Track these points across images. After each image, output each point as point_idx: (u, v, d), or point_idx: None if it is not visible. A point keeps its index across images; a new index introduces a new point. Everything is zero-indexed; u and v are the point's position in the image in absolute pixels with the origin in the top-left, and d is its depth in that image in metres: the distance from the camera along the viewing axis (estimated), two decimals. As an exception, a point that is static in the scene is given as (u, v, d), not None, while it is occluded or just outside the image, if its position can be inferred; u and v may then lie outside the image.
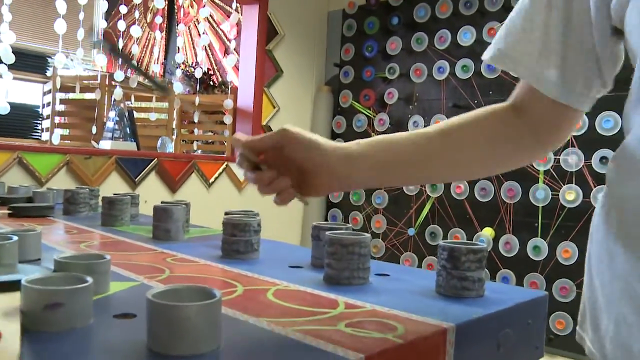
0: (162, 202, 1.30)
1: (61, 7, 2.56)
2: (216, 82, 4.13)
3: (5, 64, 2.55)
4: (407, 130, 3.14)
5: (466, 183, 2.97)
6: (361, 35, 3.47)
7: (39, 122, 3.29)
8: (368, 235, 0.86)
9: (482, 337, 0.70)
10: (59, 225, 1.39)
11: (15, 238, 0.80)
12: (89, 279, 0.59)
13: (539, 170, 2.73)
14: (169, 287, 0.55)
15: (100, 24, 4.40)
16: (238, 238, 1.00)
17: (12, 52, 2.48)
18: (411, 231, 3.21)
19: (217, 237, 1.26)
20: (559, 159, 2.68)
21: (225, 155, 3.40)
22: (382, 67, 3.36)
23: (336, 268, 0.84)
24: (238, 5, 3.39)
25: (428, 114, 3.16)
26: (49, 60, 3.54)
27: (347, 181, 0.77)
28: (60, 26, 2.57)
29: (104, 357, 0.50)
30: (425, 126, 3.11)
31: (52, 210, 1.57)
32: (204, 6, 3.73)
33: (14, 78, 2.82)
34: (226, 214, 1.14)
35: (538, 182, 2.74)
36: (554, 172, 2.69)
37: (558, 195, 2.68)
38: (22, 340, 0.52)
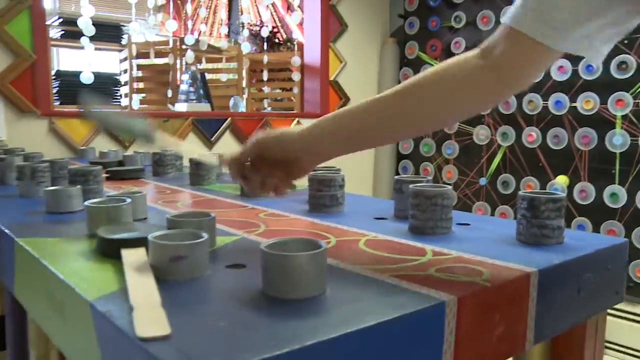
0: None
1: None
2: (281, 39, 4.18)
3: (87, 36, 2.67)
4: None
5: (538, 131, 2.93)
6: (425, -16, 3.43)
7: (117, 88, 3.43)
8: (450, 187, 0.91)
9: (563, 281, 0.75)
10: (152, 186, 1.49)
11: (129, 200, 0.89)
12: (205, 235, 0.66)
13: (615, 115, 2.67)
14: (278, 240, 0.61)
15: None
16: (324, 193, 1.06)
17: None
18: (483, 181, 3.21)
19: (300, 193, 1.33)
20: (638, 102, 2.61)
21: (295, 112, 3.46)
22: (447, 16, 3.32)
23: (421, 219, 0.89)
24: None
25: (497, 62, 3.12)
26: (123, 28, 3.66)
27: (321, 156, 0.87)
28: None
29: (224, 301, 0.58)
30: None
31: (143, 172, 1.68)
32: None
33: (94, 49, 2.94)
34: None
35: (615, 128, 2.68)
36: (632, 117, 2.63)
37: (638, 141, 2.62)
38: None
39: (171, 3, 3.33)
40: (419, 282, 0.63)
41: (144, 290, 0.58)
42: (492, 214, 3.17)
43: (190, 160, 1.51)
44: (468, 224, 0.97)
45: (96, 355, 0.57)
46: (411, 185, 0.92)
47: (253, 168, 0.87)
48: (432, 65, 3.34)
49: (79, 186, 1.11)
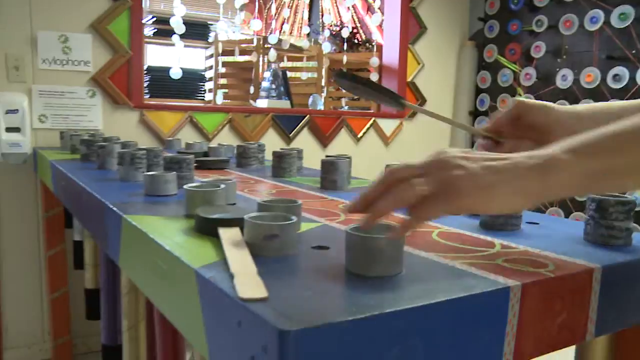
0: (326, 156, 1.46)
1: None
2: (360, 39, 4.25)
3: (178, 35, 2.83)
4: (555, 84, 3.10)
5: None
6: (507, -13, 3.43)
7: (202, 84, 3.60)
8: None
9: (628, 280, 0.78)
10: (237, 176, 1.60)
11: (223, 186, 0.99)
12: (294, 217, 0.75)
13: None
14: (359, 224, 0.69)
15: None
16: (400, 188, 1.13)
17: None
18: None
19: (376, 188, 1.40)
20: None
21: (372, 111, 3.53)
22: (528, 20, 3.30)
23: (491, 215, 0.94)
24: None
25: (578, 67, 3.08)
26: (210, 27, 3.83)
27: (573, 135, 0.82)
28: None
29: (312, 275, 0.65)
30: (575, 80, 3.05)
31: (228, 163, 1.79)
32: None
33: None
34: (387, 166, 1.27)
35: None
36: None
37: None
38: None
39: (256, 2, 3.44)
40: (487, 269, 0.69)
41: (241, 262, 0.67)
42: (567, 217, 3.14)
43: (274, 153, 1.60)
44: (537, 223, 1.02)
45: (199, 317, 0.66)
46: (483, 183, 0.97)
47: (503, 134, 0.89)
48: (510, 68, 3.35)
49: (174, 172, 1.22)
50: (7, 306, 2.53)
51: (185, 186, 0.98)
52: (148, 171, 1.46)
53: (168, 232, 0.86)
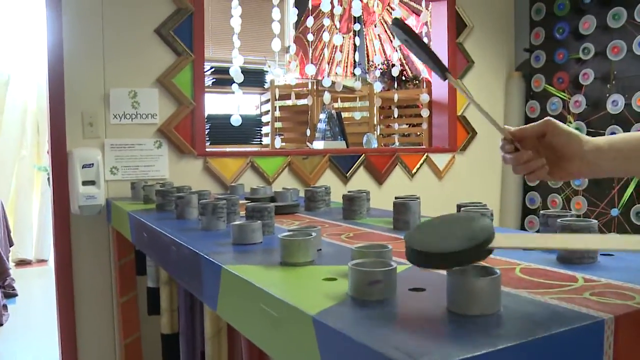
0: (396, 198, 1.53)
1: (276, 27, 2.92)
2: (407, 76, 4.35)
3: (237, 83, 2.97)
4: (606, 109, 3.12)
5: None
6: (551, 17, 3.48)
7: (259, 128, 3.73)
8: (595, 221, 1.01)
9: None
10: (310, 220, 1.67)
11: (315, 234, 1.07)
12: (394, 263, 0.82)
13: None
14: (458, 268, 0.75)
15: (291, 32, 4.76)
16: (476, 227, 1.19)
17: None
18: (614, 211, 3.18)
19: (447, 226, 1.46)
20: None
21: (424, 147, 3.60)
22: (575, 48, 3.34)
23: (568, 249, 1.00)
24: (426, 2, 3.56)
25: (628, 91, 3.10)
26: (265, 73, 3.99)
27: (594, 168, 0.95)
28: (276, 44, 2.93)
29: (421, 317, 0.72)
30: (626, 104, 3.07)
31: (298, 208, 1.87)
32: (393, 8, 3.95)
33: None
34: (459, 206, 1.33)
35: None
36: None
37: None
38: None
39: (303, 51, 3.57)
40: (577, 303, 0.74)
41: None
42: (626, 246, 3.11)
43: (344, 196, 1.67)
44: (612, 255, 1.06)
45: (316, 358, 0.73)
46: (559, 220, 1.03)
47: (524, 145, 0.98)
48: (559, 97, 3.38)
49: (259, 222, 1.31)
50: (82, 352, 2.64)
51: (279, 235, 1.06)
52: (228, 220, 1.55)
53: (272, 281, 0.94)
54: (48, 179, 5.51)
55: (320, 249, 1.18)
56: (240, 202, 1.67)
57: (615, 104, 3.14)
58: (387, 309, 0.75)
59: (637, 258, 1.04)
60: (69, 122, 2.54)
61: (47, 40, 2.50)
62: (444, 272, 0.89)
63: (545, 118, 0.96)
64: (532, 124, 0.97)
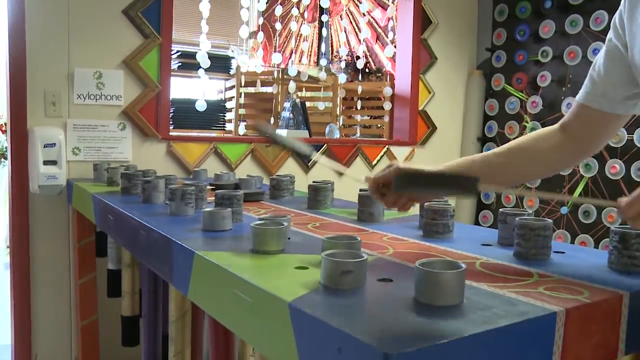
0: (361, 190, 1.58)
1: (244, 14, 2.93)
2: (370, 68, 4.40)
3: (203, 68, 2.97)
4: (560, 111, 3.24)
5: (622, 163, 3.01)
6: (513, 19, 3.57)
7: (223, 114, 3.73)
8: (550, 221, 1.08)
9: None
10: (275, 209, 1.71)
11: (286, 224, 1.11)
12: (365, 254, 0.86)
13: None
14: (426, 260, 0.81)
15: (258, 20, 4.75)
16: (438, 221, 1.25)
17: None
18: (564, 210, 3.30)
19: (409, 219, 1.52)
20: None
21: (385, 139, 3.66)
22: (534, 51, 3.45)
23: (525, 246, 1.06)
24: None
25: (582, 95, 3.21)
26: (231, 59, 3.98)
27: None
28: (243, 31, 2.94)
29: (390, 306, 0.77)
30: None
31: (263, 195, 1.91)
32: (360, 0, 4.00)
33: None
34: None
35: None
36: None
37: None
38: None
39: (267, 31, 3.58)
40: (533, 297, 0.81)
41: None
42: (572, 242, 3.25)
43: (310, 186, 1.71)
44: (564, 252, 1.14)
45: (292, 346, 0.77)
46: (517, 218, 1.09)
47: (389, 189, 1.13)
48: (517, 97, 3.49)
49: (229, 209, 1.34)
50: (37, 333, 2.62)
51: (252, 224, 1.10)
52: (196, 206, 1.58)
53: (246, 267, 0.97)
54: (3, 155, 5.39)
55: (290, 238, 1.23)
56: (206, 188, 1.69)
57: (569, 106, 3.26)
58: (358, 298, 0.80)
59: (587, 256, 1.12)
60: (31, 100, 2.51)
61: (7, 15, 2.45)
62: (410, 263, 0.95)
63: (395, 165, 1.12)
64: (386, 171, 1.12)
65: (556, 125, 1.26)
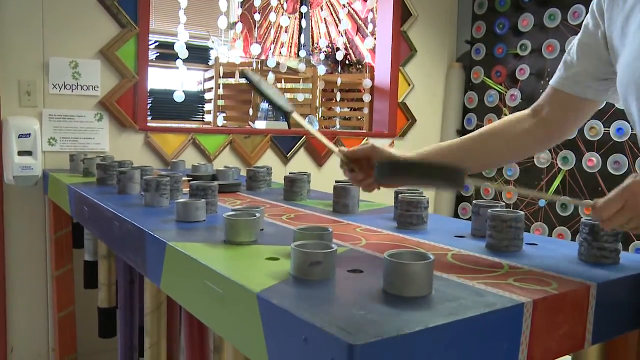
0: (337, 181, 1.58)
1: (223, 4, 2.91)
2: (351, 60, 4.39)
3: (181, 59, 2.95)
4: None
5: (598, 156, 3.04)
6: (492, 12, 3.58)
7: (201, 105, 3.71)
8: (522, 213, 1.08)
9: (618, 294, 0.91)
10: (250, 200, 1.71)
11: (258, 215, 1.10)
12: (334, 245, 0.86)
13: (675, 143, 2.77)
14: (395, 251, 0.81)
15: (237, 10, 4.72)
16: (412, 213, 1.25)
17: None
18: (542, 202, 3.33)
19: (384, 210, 1.53)
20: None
21: (364, 131, 3.67)
22: (513, 44, 3.47)
23: (497, 238, 1.07)
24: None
25: (560, 88, 3.23)
26: (209, 50, 3.95)
27: None
28: (222, 22, 2.92)
29: (358, 296, 0.77)
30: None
31: (240, 187, 1.90)
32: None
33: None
34: (397, 192, 1.39)
35: (674, 155, 2.78)
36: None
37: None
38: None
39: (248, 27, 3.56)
40: (501, 288, 0.81)
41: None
42: (550, 234, 3.28)
43: (286, 177, 1.71)
44: (536, 244, 1.15)
45: (260, 336, 0.77)
46: (489, 210, 1.10)
47: (359, 165, 1.16)
48: (496, 90, 3.51)
49: (203, 200, 1.33)
50: (13, 325, 2.60)
51: (224, 215, 1.09)
52: (171, 197, 1.57)
53: (217, 259, 0.97)
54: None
55: (263, 229, 1.22)
56: (182, 179, 1.68)
57: (547, 99, 3.28)
58: (327, 289, 0.80)
59: (558, 247, 1.13)
60: (4, 90, 2.47)
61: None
62: (381, 255, 0.95)
63: (371, 144, 1.16)
64: (361, 147, 1.16)
65: (528, 110, 1.28)
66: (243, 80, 3.79)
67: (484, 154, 1.26)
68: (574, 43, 1.20)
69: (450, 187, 0.97)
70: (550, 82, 1.24)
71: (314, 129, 1.33)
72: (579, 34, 1.19)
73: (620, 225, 0.90)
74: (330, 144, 1.23)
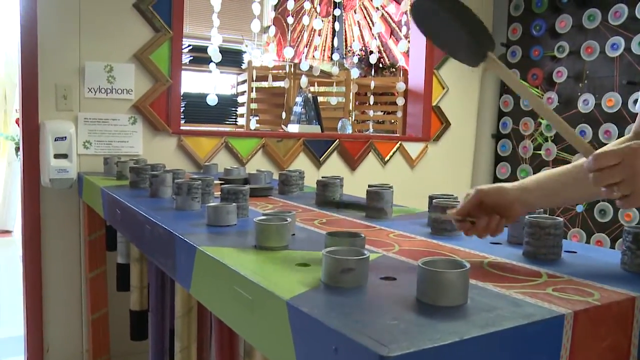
0: (370, 186, 1.56)
1: (256, 8, 2.91)
2: (384, 63, 4.37)
3: (214, 62, 2.96)
4: (577, 108, 3.19)
5: None
6: (529, 14, 3.52)
7: (235, 109, 3.72)
8: (561, 219, 1.04)
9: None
10: (283, 204, 1.69)
11: (289, 219, 1.09)
12: (366, 252, 0.84)
13: None
14: (429, 259, 0.78)
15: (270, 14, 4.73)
16: (446, 219, 1.22)
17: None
18: (579, 208, 3.25)
19: (418, 215, 1.50)
20: None
21: (398, 135, 3.63)
22: (550, 46, 3.40)
23: (535, 245, 1.03)
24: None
25: (599, 91, 3.16)
26: (243, 54, 3.97)
27: (527, 206, 1.11)
28: (255, 25, 2.93)
29: (391, 305, 0.75)
30: (596, 104, 3.14)
31: (272, 191, 1.89)
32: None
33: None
34: (431, 197, 1.37)
35: None
36: None
37: None
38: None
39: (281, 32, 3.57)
40: (540, 298, 0.78)
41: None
42: (588, 242, 3.20)
43: (318, 182, 1.69)
44: (575, 252, 1.11)
45: (289, 345, 0.75)
46: (527, 216, 1.06)
47: (472, 214, 1.09)
48: (533, 93, 3.43)
49: (234, 204, 1.32)
50: (49, 326, 2.63)
51: (255, 219, 1.08)
52: (202, 200, 1.56)
53: (247, 264, 0.95)
54: (17, 149, 5.42)
55: (294, 234, 1.21)
56: (214, 182, 1.67)
57: (586, 103, 3.21)
58: (358, 297, 0.78)
59: (599, 255, 1.08)
60: (42, 94, 2.51)
61: (20, 9, 2.45)
62: (415, 262, 0.92)
63: (475, 188, 1.09)
64: (467, 200, 1.09)
65: (631, 134, 1.18)
66: (276, 84, 3.80)
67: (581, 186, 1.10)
68: None
69: (469, 51, 0.94)
70: None
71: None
72: None
73: (609, 185, 0.86)
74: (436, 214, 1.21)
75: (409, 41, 3.67)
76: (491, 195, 1.08)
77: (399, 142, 3.40)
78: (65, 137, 2.47)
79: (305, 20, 4.08)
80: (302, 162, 3.10)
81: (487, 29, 0.95)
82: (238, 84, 4.17)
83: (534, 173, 3.49)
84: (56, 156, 2.45)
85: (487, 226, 1.07)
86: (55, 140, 2.45)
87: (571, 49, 3.29)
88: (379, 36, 4.57)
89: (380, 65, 4.25)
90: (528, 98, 0.97)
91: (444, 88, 3.55)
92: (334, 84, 3.81)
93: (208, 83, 4.15)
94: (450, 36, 0.96)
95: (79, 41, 2.55)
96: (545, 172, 1.15)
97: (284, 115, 3.68)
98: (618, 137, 3.01)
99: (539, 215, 1.09)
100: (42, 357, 2.62)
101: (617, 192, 0.86)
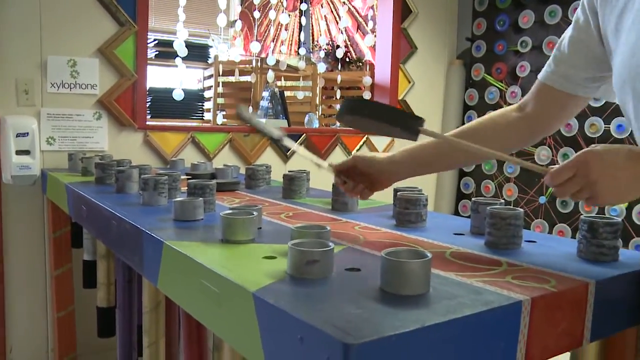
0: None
1: (222, 2, 2.90)
2: (351, 58, 4.39)
3: (180, 57, 2.94)
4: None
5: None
6: (493, 9, 3.57)
7: (201, 104, 3.70)
8: (522, 210, 1.07)
9: (616, 292, 0.91)
10: (250, 199, 1.70)
11: (256, 213, 1.10)
12: (331, 244, 0.86)
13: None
14: (392, 249, 0.80)
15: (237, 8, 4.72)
16: (410, 210, 1.25)
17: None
18: (542, 199, 3.32)
19: (383, 208, 1.52)
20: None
21: (364, 129, 3.65)
22: (514, 41, 3.46)
23: (496, 235, 1.06)
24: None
25: (560, 85, 3.22)
26: (209, 48, 3.95)
27: (397, 176, 1.25)
28: (221, 19, 2.92)
29: (355, 295, 0.76)
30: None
31: (238, 185, 1.89)
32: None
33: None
34: (396, 190, 1.39)
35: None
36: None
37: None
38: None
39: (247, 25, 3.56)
40: (500, 286, 0.80)
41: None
42: (550, 232, 3.28)
43: (285, 176, 1.70)
44: (535, 241, 1.14)
45: (256, 335, 0.76)
46: (488, 207, 1.09)
47: (349, 175, 1.24)
48: (497, 87, 3.50)
49: (201, 198, 1.33)
50: (12, 325, 2.59)
51: (221, 213, 1.08)
52: (169, 195, 1.56)
53: (214, 258, 0.96)
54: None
55: (261, 228, 1.22)
56: (181, 177, 1.67)
57: (547, 96, 3.27)
58: (323, 288, 0.79)
59: (557, 244, 1.12)
60: (2, 89, 2.46)
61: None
62: (379, 253, 0.94)
63: (353, 154, 1.26)
64: (345, 160, 1.25)
65: (515, 105, 1.27)
66: (242, 78, 3.80)
67: (466, 150, 1.21)
68: (564, 37, 1.17)
69: (405, 133, 1.00)
70: (539, 77, 1.21)
71: (302, 149, 1.44)
72: (570, 30, 1.16)
73: (572, 194, 0.91)
74: (319, 160, 1.28)
75: (375, 35, 3.69)
76: (363, 162, 1.23)
77: (366, 136, 3.43)
78: (27, 133, 2.43)
79: (272, 14, 4.08)
80: (269, 157, 3.11)
81: (408, 113, 1.07)
82: (204, 78, 4.15)
83: (498, 165, 3.56)
84: (18, 152, 2.41)
85: (354, 189, 1.25)
86: (16, 137, 2.41)
87: (534, 44, 3.36)
88: (345, 30, 4.59)
89: (347, 60, 4.26)
90: (474, 150, 1.06)
91: (409, 82, 3.59)
92: (301, 78, 3.81)
93: (174, 78, 4.11)
94: (383, 128, 1.03)
95: (40, 35, 2.51)
96: (422, 143, 1.24)
97: (251, 110, 3.68)
98: (578, 129, 3.09)
99: (500, 207, 1.11)
100: (4, 357, 2.58)
101: (580, 197, 0.92)
